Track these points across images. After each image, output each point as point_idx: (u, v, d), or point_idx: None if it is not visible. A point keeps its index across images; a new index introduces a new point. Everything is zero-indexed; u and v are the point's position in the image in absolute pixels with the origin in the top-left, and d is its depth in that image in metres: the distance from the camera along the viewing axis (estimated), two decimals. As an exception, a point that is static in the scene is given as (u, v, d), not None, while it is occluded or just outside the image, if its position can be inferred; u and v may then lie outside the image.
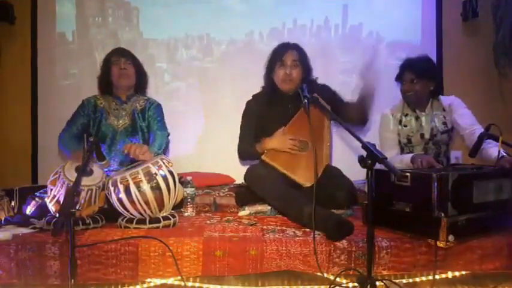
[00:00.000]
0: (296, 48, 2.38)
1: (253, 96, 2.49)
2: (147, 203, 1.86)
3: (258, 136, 2.36)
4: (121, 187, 1.85)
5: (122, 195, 1.85)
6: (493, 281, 1.74)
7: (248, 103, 2.48)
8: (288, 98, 2.38)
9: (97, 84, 2.47)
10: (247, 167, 2.32)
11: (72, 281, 1.42)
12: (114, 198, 1.88)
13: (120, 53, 2.43)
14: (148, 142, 2.41)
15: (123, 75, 2.38)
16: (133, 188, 1.84)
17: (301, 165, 2.20)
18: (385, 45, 3.37)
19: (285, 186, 2.10)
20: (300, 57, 2.35)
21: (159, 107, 2.50)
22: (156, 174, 1.87)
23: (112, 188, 1.88)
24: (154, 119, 2.44)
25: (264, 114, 2.39)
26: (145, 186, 1.85)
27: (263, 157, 2.27)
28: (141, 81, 2.49)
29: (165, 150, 2.38)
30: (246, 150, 2.40)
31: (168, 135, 2.44)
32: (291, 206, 2.00)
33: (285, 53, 2.34)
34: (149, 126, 2.45)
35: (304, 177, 2.16)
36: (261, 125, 2.38)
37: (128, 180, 1.84)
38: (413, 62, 2.38)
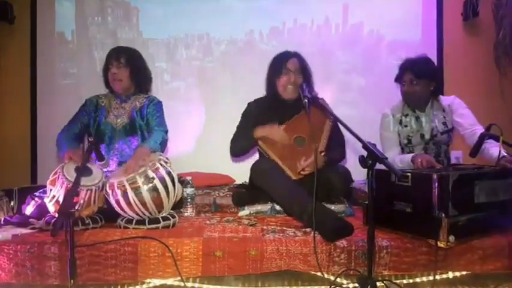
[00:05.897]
0: (297, 56, 2.37)
1: (255, 99, 2.48)
2: (144, 205, 1.85)
3: None
4: (118, 192, 1.84)
5: (120, 199, 1.84)
6: (494, 281, 1.73)
7: (249, 105, 2.47)
8: (288, 106, 2.37)
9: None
10: (246, 167, 2.30)
11: (72, 281, 1.42)
12: (112, 202, 1.88)
13: (114, 56, 2.34)
14: None
15: (114, 80, 2.33)
16: (131, 194, 1.82)
17: (295, 159, 2.18)
18: (386, 44, 3.37)
19: (290, 182, 2.09)
20: (302, 66, 2.34)
21: (159, 104, 2.42)
22: (153, 178, 1.86)
23: (110, 192, 1.87)
24: (152, 116, 2.37)
25: (262, 119, 2.37)
26: (143, 191, 1.83)
27: (259, 143, 2.25)
28: (140, 79, 2.41)
29: (163, 147, 2.28)
30: (239, 142, 2.36)
31: (166, 132, 2.34)
32: (294, 203, 1.99)
33: (288, 60, 2.33)
34: (148, 123, 2.38)
35: (295, 171, 2.15)
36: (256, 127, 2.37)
37: (125, 186, 1.83)
38: (413, 63, 2.36)
